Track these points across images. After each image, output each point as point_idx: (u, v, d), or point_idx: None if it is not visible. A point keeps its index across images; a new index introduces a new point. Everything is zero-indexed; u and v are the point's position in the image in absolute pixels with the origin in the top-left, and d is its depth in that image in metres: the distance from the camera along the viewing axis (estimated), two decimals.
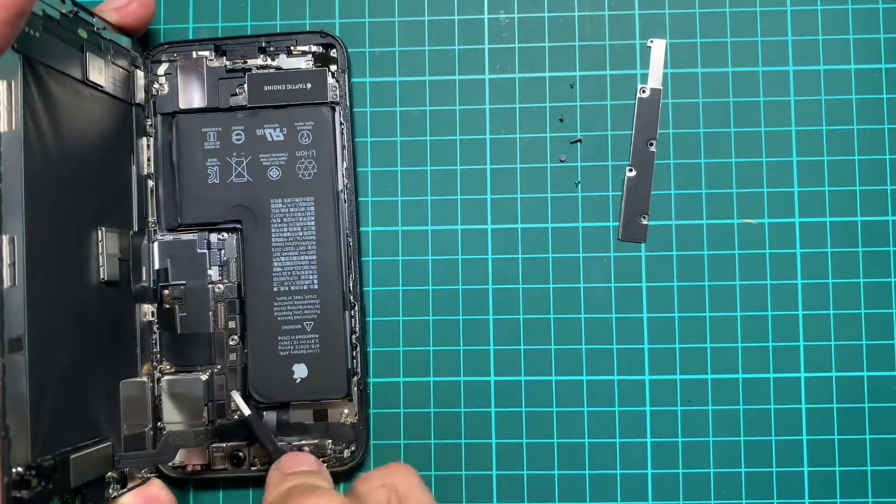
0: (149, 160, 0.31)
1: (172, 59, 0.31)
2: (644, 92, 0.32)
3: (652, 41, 0.32)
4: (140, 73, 0.31)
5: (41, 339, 0.24)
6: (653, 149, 0.32)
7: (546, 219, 0.32)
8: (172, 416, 0.30)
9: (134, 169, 0.30)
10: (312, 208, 0.30)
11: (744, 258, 0.31)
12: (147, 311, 0.30)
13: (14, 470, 0.22)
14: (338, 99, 0.31)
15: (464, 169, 0.32)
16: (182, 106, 0.31)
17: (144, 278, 0.30)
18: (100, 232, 0.28)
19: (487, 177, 0.32)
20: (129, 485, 0.28)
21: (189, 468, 0.30)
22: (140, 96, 0.31)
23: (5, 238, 0.23)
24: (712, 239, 0.31)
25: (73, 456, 0.25)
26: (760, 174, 0.32)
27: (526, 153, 0.32)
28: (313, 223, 0.30)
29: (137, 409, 0.29)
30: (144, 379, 0.30)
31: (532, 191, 0.32)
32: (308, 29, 0.32)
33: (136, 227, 0.30)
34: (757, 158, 0.32)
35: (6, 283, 0.23)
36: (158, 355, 0.30)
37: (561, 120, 0.32)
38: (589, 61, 0.32)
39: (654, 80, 0.32)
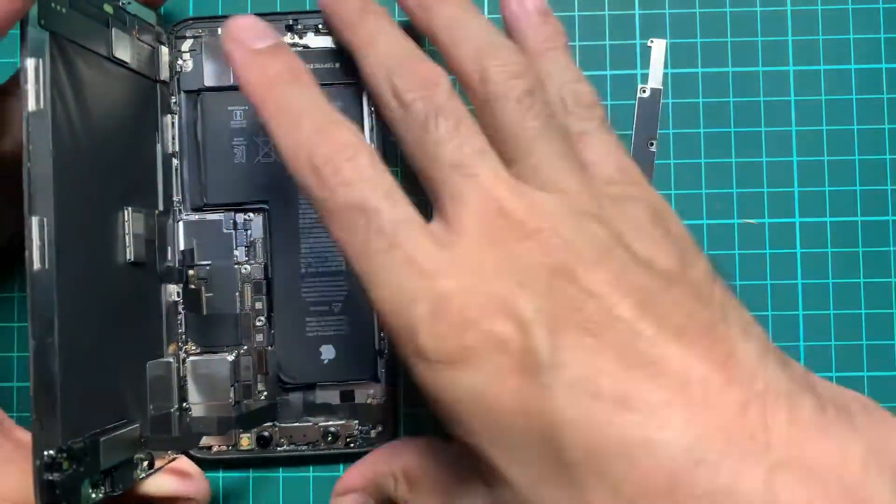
0: (174, 139, 0.30)
1: (198, 35, 0.31)
2: (644, 92, 0.32)
3: (652, 41, 0.32)
4: (165, 50, 0.30)
5: (71, 321, 0.24)
6: (653, 148, 0.32)
7: None
8: (198, 398, 0.30)
9: (159, 147, 0.30)
10: None
11: (744, 258, 0.31)
12: (172, 291, 0.30)
13: (45, 453, 0.22)
14: None
15: None
16: (207, 83, 0.30)
17: (170, 258, 0.30)
18: (126, 212, 0.28)
19: None
20: (157, 465, 0.28)
21: (214, 449, 0.30)
22: (165, 73, 0.30)
23: (34, 220, 0.22)
24: (712, 239, 0.31)
25: (102, 438, 0.25)
26: (761, 174, 0.32)
27: None
28: None
29: (163, 390, 0.29)
30: (170, 360, 0.30)
31: None
32: None
33: (161, 207, 0.30)
34: (757, 158, 0.32)
35: (36, 264, 0.22)
36: (184, 336, 0.30)
37: None
38: (589, 61, 0.32)
39: (655, 79, 0.32)
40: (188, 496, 0.28)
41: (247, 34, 0.23)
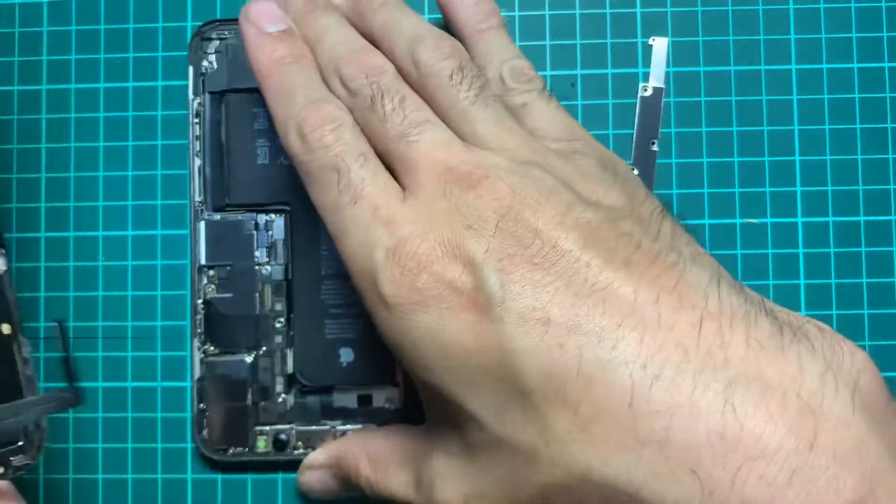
0: (197, 138, 0.30)
1: (223, 36, 0.31)
2: (646, 91, 0.32)
3: (654, 39, 0.32)
4: None
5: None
6: (655, 148, 0.31)
7: None
8: (215, 398, 0.30)
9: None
10: None
11: (746, 258, 0.31)
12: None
13: None
14: None
15: None
16: (232, 85, 0.30)
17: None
18: None
19: None
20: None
21: (231, 452, 0.30)
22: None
23: None
24: (715, 239, 0.31)
25: None
26: (763, 173, 0.31)
27: None
28: None
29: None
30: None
31: None
32: None
33: None
34: (759, 158, 0.31)
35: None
36: (202, 336, 0.30)
37: None
38: (590, 60, 0.32)
39: (656, 78, 0.32)
40: None
41: (262, 17, 0.25)
